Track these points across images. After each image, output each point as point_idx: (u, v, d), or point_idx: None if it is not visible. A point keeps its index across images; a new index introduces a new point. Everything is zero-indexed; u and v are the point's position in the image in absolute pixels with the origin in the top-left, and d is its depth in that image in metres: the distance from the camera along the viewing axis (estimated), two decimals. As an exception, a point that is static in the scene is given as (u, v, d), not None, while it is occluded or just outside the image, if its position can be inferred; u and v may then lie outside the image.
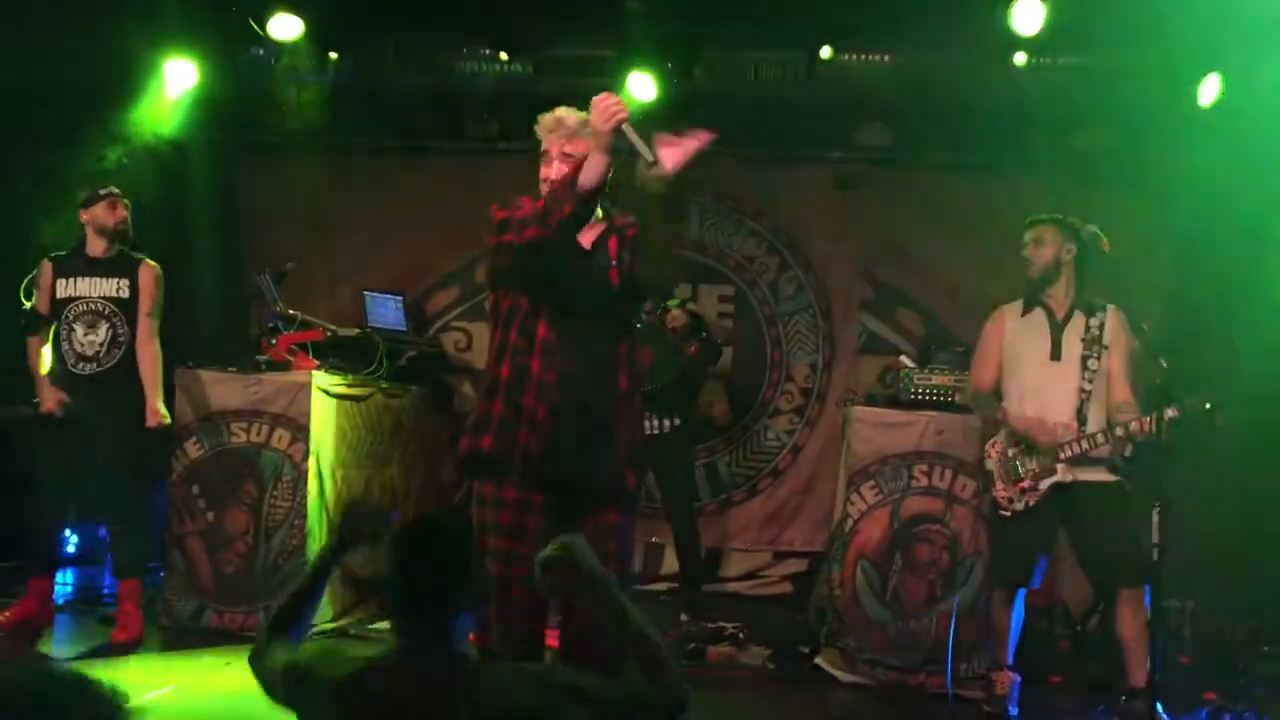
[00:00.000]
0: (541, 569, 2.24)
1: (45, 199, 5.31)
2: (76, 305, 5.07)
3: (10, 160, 6.02)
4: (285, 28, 5.76)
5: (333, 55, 6.12)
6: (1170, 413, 4.04)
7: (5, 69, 5.87)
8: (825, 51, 5.78)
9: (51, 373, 5.09)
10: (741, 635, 5.44)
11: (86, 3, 5.69)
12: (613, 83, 6.05)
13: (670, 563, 6.55)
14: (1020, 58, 5.60)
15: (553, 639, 3.47)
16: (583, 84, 6.27)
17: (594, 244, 3.30)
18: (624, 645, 2.21)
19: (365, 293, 6.14)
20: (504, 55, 5.93)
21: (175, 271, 5.34)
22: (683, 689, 2.20)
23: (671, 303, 5.84)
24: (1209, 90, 5.60)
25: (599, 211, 3.26)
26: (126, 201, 5.17)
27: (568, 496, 3.13)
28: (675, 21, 5.62)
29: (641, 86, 5.93)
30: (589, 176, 3.04)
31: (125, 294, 5.11)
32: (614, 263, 3.27)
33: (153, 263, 5.21)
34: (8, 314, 5.28)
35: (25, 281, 5.18)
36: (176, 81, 6.07)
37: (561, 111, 3.38)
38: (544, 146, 3.34)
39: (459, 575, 2.15)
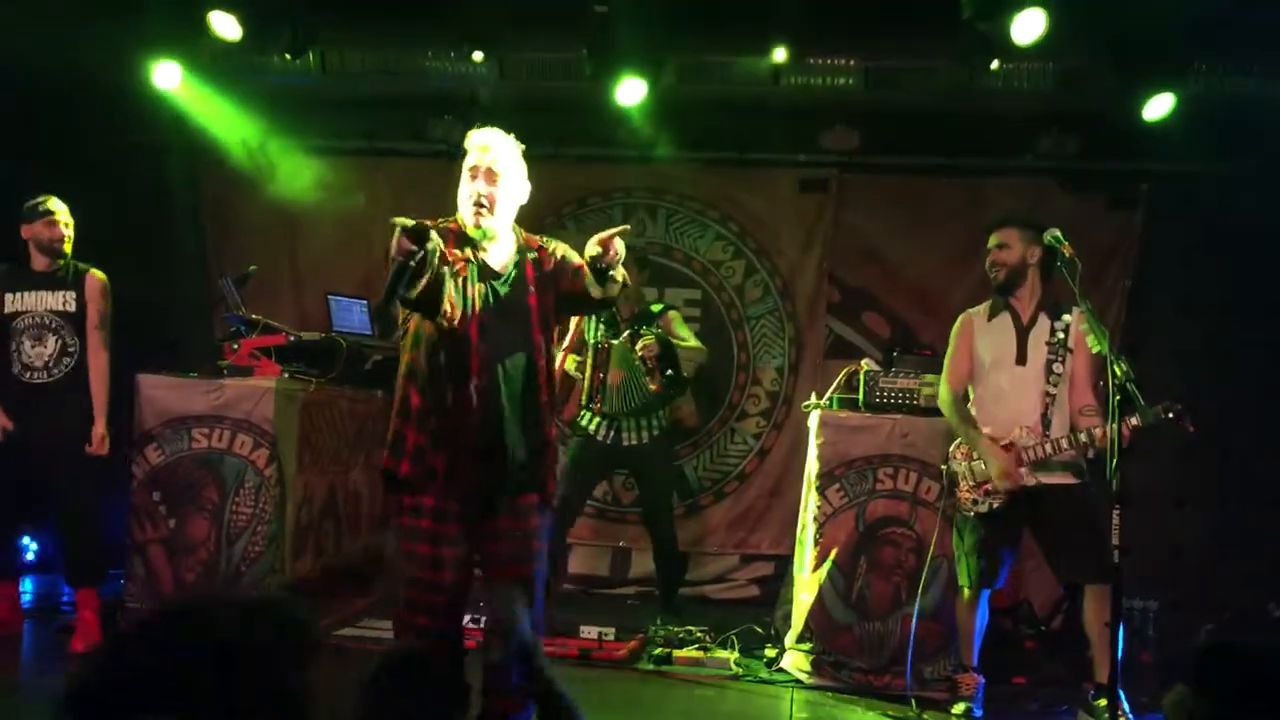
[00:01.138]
0: None
1: (17, 200, 5.23)
2: (24, 319, 5.07)
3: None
4: (226, 27, 5.67)
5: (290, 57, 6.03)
6: (1134, 421, 4.07)
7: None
8: (780, 54, 5.77)
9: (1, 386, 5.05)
10: (708, 639, 5.44)
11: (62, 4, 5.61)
12: (578, 86, 6.06)
13: (638, 566, 6.55)
14: (990, 63, 5.61)
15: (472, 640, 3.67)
16: (548, 87, 6.29)
17: (506, 266, 3.45)
18: None
19: (329, 297, 6.09)
20: (478, 56, 5.86)
21: (138, 276, 5.28)
22: None
23: (648, 332, 5.74)
24: (1160, 105, 5.64)
25: (490, 232, 3.43)
26: (67, 220, 5.13)
27: (482, 505, 3.36)
28: (642, 25, 5.61)
29: (607, 90, 5.92)
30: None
31: (71, 307, 5.12)
32: (530, 287, 3.44)
33: (99, 273, 5.21)
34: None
35: None
36: (163, 83, 6.00)
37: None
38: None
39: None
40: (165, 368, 5.35)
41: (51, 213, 5.10)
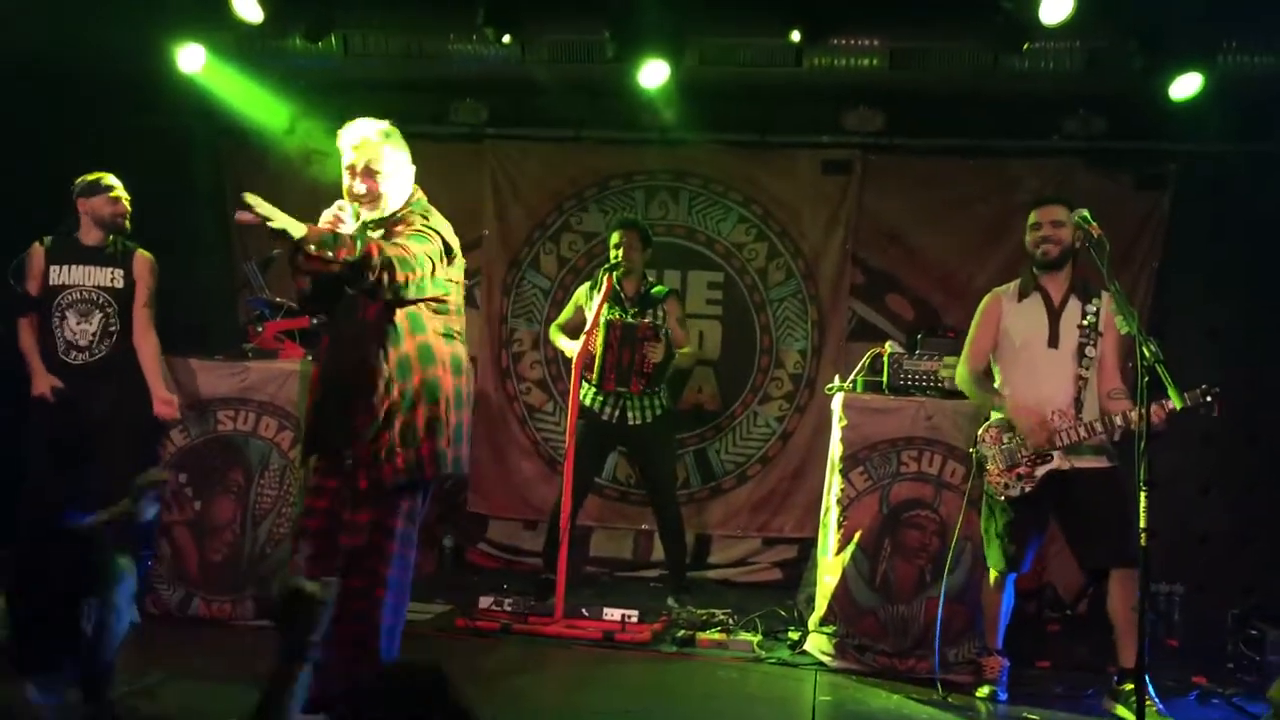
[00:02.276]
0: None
1: (45, 183, 5.26)
2: (70, 293, 5.07)
3: (12, 142, 5.96)
4: (248, 10, 5.67)
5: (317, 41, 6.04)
6: (1171, 404, 4.03)
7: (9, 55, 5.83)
8: (803, 36, 5.73)
9: (43, 360, 5.07)
10: (731, 621, 5.45)
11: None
12: (600, 69, 6.03)
13: (660, 550, 6.55)
14: (1016, 44, 5.55)
15: None
16: (570, 69, 6.27)
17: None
18: None
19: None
20: (507, 39, 5.85)
21: (163, 260, 5.30)
22: None
23: (659, 337, 5.75)
24: (1188, 84, 5.57)
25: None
26: (128, 196, 5.15)
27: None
28: (664, 7, 5.58)
29: (629, 72, 5.90)
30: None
31: (120, 284, 5.11)
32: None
33: (146, 253, 5.21)
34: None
35: (14, 264, 5.14)
36: (187, 66, 6.01)
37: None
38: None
39: None
40: (191, 351, 5.38)
41: (113, 188, 5.10)
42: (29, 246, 5.16)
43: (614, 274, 5.72)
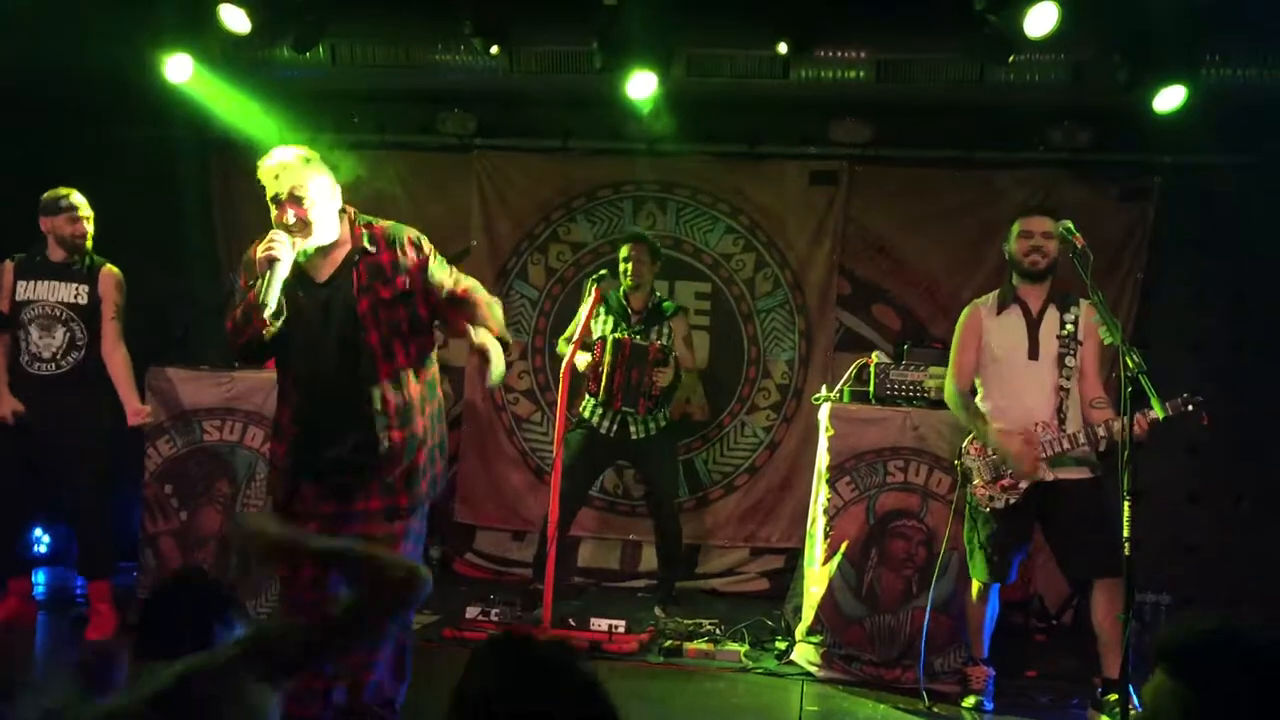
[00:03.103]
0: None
1: (31, 196, 5.25)
2: (34, 308, 5.10)
3: None
4: (235, 20, 5.65)
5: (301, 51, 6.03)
6: (1153, 414, 4.05)
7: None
8: (790, 47, 5.76)
9: (9, 372, 5.07)
10: (718, 631, 5.45)
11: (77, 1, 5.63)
12: (588, 79, 6.04)
13: (648, 560, 6.54)
14: (1003, 56, 5.58)
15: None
16: (558, 80, 6.29)
17: (333, 274, 3.52)
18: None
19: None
20: (495, 49, 5.86)
21: (149, 270, 5.30)
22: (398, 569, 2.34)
23: (667, 361, 5.73)
24: (1172, 97, 5.60)
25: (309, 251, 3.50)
26: (89, 214, 5.15)
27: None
28: (652, 18, 5.60)
29: (617, 83, 5.91)
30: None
31: (84, 300, 5.13)
32: (356, 293, 3.48)
33: (114, 268, 5.24)
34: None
35: None
36: (174, 77, 6.00)
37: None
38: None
39: None
40: (176, 361, 5.38)
41: (75, 208, 5.11)
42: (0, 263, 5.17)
43: (601, 285, 5.71)
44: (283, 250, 3.36)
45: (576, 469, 5.63)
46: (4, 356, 5.10)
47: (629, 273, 5.84)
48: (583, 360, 5.67)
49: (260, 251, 3.37)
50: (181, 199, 6.89)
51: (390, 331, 3.49)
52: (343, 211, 3.57)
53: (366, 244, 3.51)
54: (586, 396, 5.82)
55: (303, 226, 3.43)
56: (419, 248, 3.55)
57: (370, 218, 3.62)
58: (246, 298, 3.38)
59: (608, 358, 5.66)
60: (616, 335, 5.72)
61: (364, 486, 3.48)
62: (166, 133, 6.70)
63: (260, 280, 3.32)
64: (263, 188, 3.49)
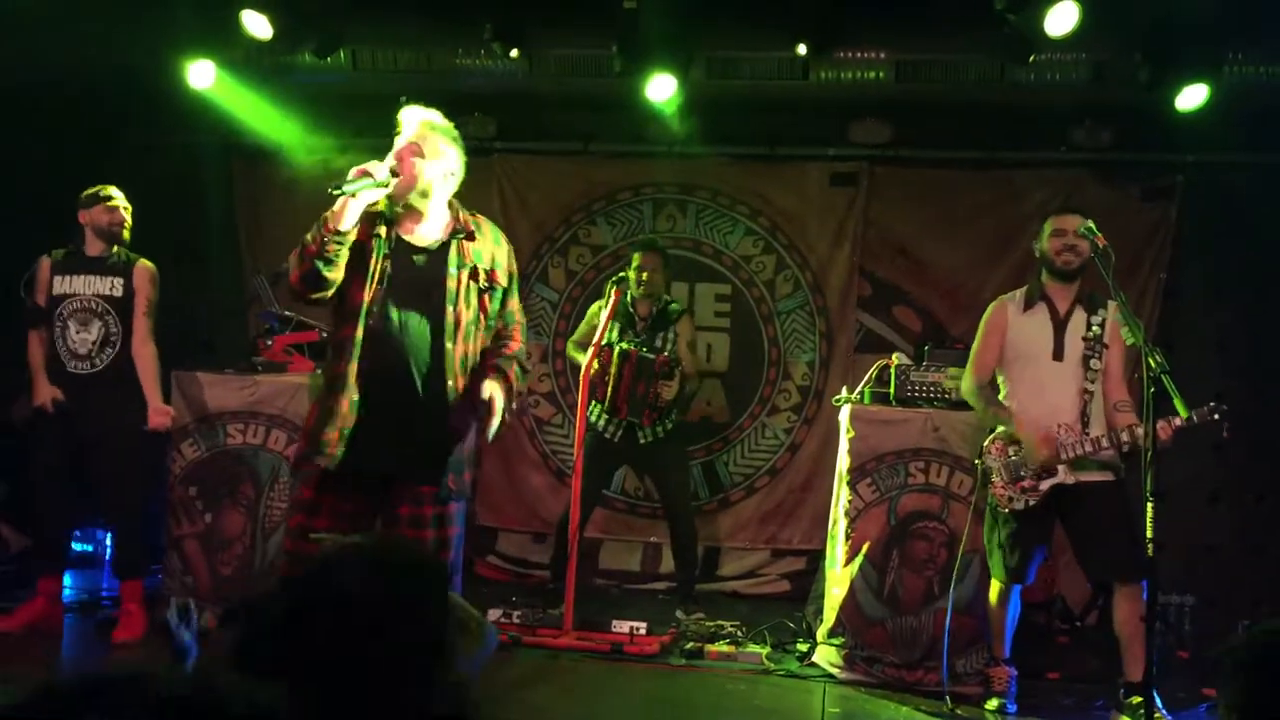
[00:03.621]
0: None
1: (62, 198, 5.33)
2: (71, 302, 5.13)
3: (26, 157, 6.00)
4: (258, 26, 5.65)
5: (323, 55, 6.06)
6: (1178, 421, 4.03)
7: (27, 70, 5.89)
8: (809, 48, 5.75)
9: (47, 369, 5.13)
10: (739, 633, 5.45)
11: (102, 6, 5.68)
12: (608, 82, 6.05)
13: (669, 562, 6.54)
14: (1023, 57, 5.56)
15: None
16: (577, 83, 6.30)
17: (431, 247, 3.61)
18: None
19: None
20: (515, 53, 5.88)
21: (173, 274, 5.35)
22: None
23: (672, 373, 5.73)
24: (1194, 96, 5.57)
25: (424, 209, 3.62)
26: (126, 206, 5.21)
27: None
28: (671, 20, 5.60)
29: (637, 86, 5.92)
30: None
31: (119, 293, 5.16)
32: (453, 269, 3.57)
33: (148, 263, 5.26)
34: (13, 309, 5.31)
35: (25, 277, 5.22)
36: (197, 82, 6.04)
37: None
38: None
39: None
40: (200, 365, 5.42)
41: (111, 198, 5.19)
42: (35, 257, 5.24)
43: (621, 286, 5.73)
44: (379, 172, 3.45)
45: (589, 471, 5.64)
46: (42, 348, 5.16)
47: (642, 280, 5.85)
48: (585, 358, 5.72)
49: (356, 167, 3.46)
50: (205, 203, 6.94)
51: (471, 315, 3.61)
52: (452, 201, 3.71)
53: (472, 228, 3.66)
54: (593, 403, 5.83)
55: (408, 179, 3.54)
56: (512, 259, 3.75)
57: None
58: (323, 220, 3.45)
59: (613, 369, 5.69)
60: (624, 346, 5.73)
61: (421, 461, 3.52)
62: (190, 138, 6.75)
63: (345, 184, 3.37)
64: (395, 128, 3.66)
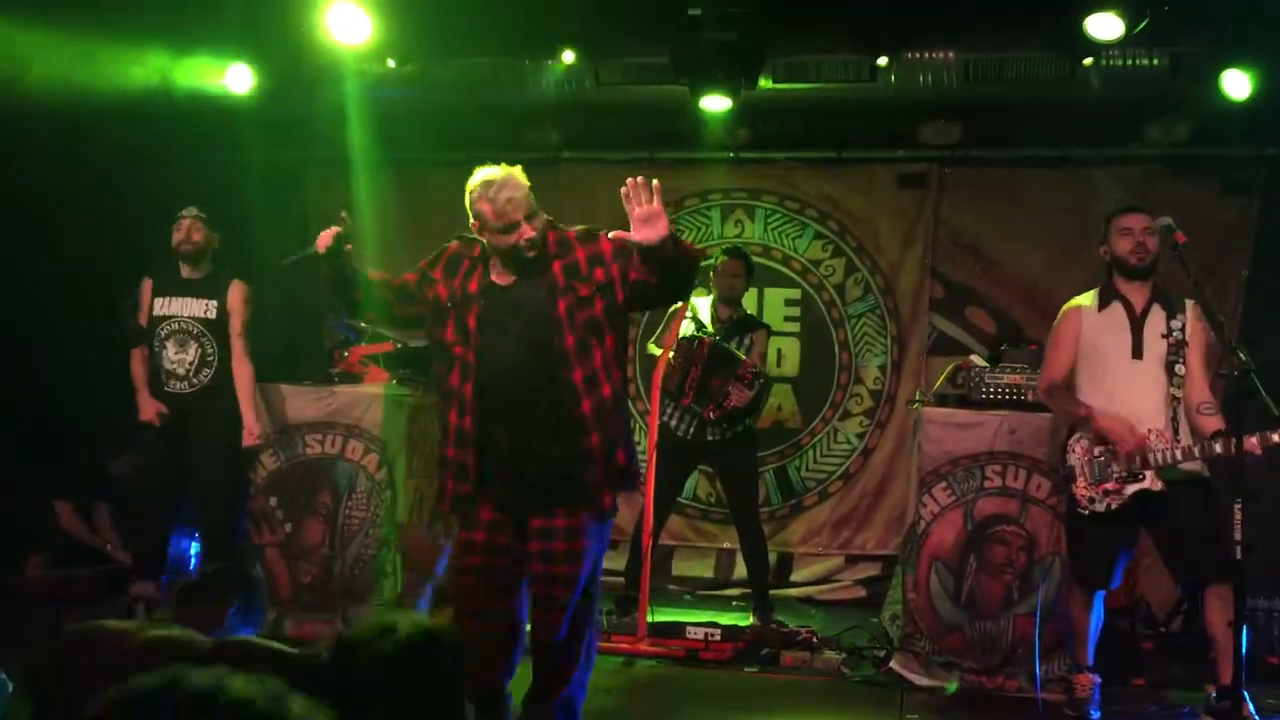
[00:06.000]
0: None
1: (152, 216, 5.48)
2: (169, 324, 5.29)
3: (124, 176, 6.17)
4: (351, 30, 5.60)
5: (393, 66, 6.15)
6: (1274, 437, 3.92)
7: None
8: (882, 60, 5.73)
9: (150, 386, 5.27)
10: (815, 640, 5.41)
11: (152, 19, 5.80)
12: (673, 90, 6.06)
13: (743, 569, 6.52)
14: (1094, 50, 5.48)
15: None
16: (643, 92, 6.32)
17: (525, 278, 3.55)
18: None
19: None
20: (580, 63, 5.93)
21: (274, 288, 5.48)
22: None
23: (747, 380, 5.62)
24: (1239, 86, 5.43)
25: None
26: (202, 219, 5.32)
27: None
28: (737, 28, 5.59)
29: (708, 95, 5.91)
30: None
31: (213, 315, 5.29)
32: (554, 292, 3.50)
33: (243, 282, 5.37)
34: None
35: (133, 299, 5.41)
36: (235, 86, 6.13)
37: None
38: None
39: None
40: (280, 377, 5.52)
41: (180, 218, 5.33)
42: (139, 279, 5.38)
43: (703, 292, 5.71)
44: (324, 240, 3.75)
45: (662, 476, 5.61)
46: (144, 365, 5.31)
47: (725, 285, 5.83)
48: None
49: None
50: (281, 216, 7.06)
51: (586, 331, 3.48)
52: (534, 216, 3.57)
53: (562, 247, 3.57)
54: (664, 401, 5.76)
55: (530, 243, 3.52)
56: (608, 235, 3.53)
57: (561, 225, 3.68)
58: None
59: (684, 356, 5.60)
60: (700, 334, 5.69)
61: (551, 499, 3.47)
62: (265, 155, 6.87)
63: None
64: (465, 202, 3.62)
